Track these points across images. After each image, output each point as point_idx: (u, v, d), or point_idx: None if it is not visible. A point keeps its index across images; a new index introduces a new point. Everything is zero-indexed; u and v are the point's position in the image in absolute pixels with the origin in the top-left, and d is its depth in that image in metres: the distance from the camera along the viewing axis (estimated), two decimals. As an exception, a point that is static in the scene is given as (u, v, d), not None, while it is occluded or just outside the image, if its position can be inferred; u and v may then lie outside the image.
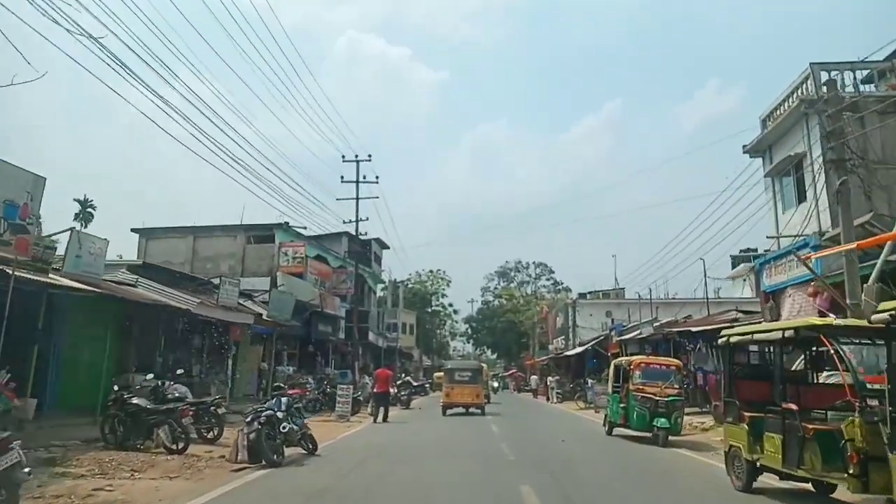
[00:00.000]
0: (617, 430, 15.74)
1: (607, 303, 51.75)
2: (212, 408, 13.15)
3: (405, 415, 24.75)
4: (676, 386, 14.47)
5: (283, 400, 10.65)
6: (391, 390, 26.53)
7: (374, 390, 21.96)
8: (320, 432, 16.16)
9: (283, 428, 9.82)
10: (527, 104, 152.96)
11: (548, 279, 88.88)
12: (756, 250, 56.22)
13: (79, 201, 59.20)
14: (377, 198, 27.32)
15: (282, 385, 11.03)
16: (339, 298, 34.96)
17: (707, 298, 31.99)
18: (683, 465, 11.58)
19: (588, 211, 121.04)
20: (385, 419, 20.75)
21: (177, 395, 13.68)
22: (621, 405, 15.02)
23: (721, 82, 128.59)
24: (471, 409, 23.38)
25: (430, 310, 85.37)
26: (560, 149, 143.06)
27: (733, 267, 55.61)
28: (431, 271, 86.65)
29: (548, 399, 33.57)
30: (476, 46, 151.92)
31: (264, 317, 22.46)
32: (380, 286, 47.79)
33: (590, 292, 57.45)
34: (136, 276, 17.53)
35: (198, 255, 29.01)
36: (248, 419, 9.76)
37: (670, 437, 13.91)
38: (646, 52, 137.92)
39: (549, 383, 33.89)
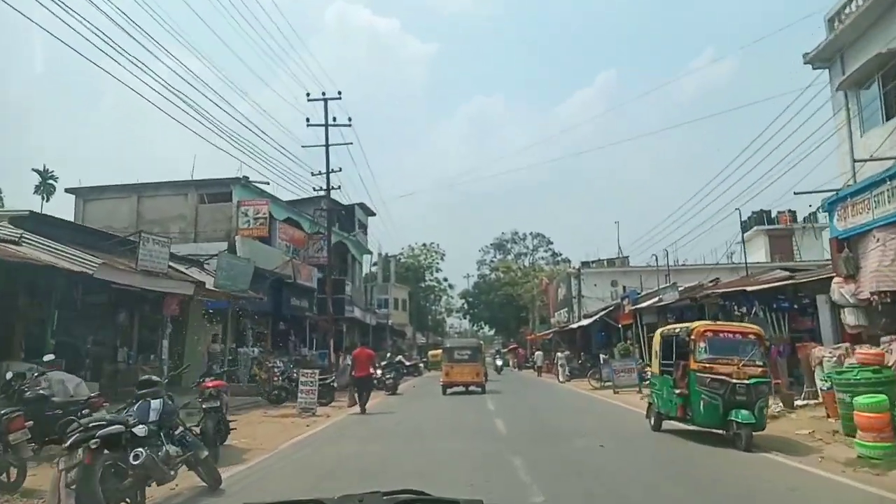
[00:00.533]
0: (667, 424, 11.58)
1: (613, 271, 47.99)
2: (84, 411, 8.86)
3: (391, 402, 20.57)
4: (759, 362, 10.21)
5: (154, 405, 6.27)
6: (376, 372, 22.45)
7: (353, 374, 17.98)
8: (266, 435, 11.96)
9: (136, 458, 5.48)
10: (519, 76, 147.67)
11: (546, 250, 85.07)
12: (770, 212, 52.70)
13: (38, 172, 54.41)
14: (350, 143, 22.90)
15: (153, 379, 6.69)
16: (316, 269, 30.65)
17: (746, 263, 28.05)
18: (816, 488, 7.38)
19: (585, 178, 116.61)
20: (363, 410, 16.83)
21: (39, 391, 9.41)
22: (675, 391, 10.79)
23: (716, 51, 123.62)
24: (470, 388, 22.81)
25: (423, 285, 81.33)
26: (555, 120, 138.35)
27: (744, 231, 51.93)
28: (424, 244, 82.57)
29: (559, 379, 29.43)
30: (468, 18, 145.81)
31: (211, 286, 18.11)
32: (367, 257, 43.48)
33: (593, 261, 53.59)
34: (20, 231, 13.11)
35: (143, 217, 24.56)
36: (69, 443, 5.41)
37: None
38: (640, 21, 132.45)
39: (557, 360, 29.72)
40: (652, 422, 11.88)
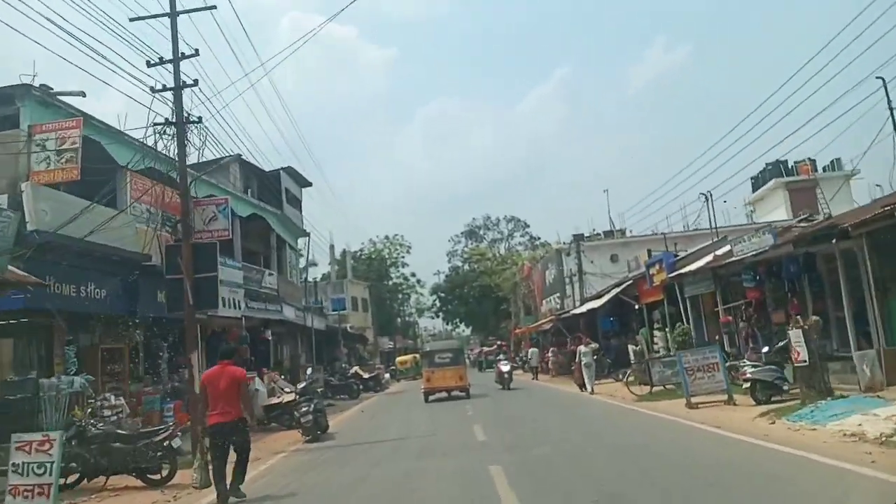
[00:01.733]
0: None
1: (612, 244, 39.59)
2: None
3: (297, 467, 10.35)
4: None
5: None
6: (278, 400, 12.55)
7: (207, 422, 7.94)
8: None
9: None
10: (477, 76, 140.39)
11: (522, 235, 76.13)
12: (786, 162, 44.76)
13: None
14: (214, 7, 12.57)
15: None
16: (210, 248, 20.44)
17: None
18: None
19: (551, 171, 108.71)
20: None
21: None
22: None
23: (668, 39, 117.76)
24: (453, 393, 21.98)
25: (388, 283, 71.43)
26: (517, 116, 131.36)
27: (754, 189, 44.17)
28: (387, 237, 72.81)
29: (582, 387, 19.58)
30: (422, 22, 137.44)
31: None
32: (300, 241, 33.29)
33: (588, 236, 44.74)
34: None
35: None
36: None
37: None
38: (590, 14, 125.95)
39: (579, 356, 19.74)
40: None
